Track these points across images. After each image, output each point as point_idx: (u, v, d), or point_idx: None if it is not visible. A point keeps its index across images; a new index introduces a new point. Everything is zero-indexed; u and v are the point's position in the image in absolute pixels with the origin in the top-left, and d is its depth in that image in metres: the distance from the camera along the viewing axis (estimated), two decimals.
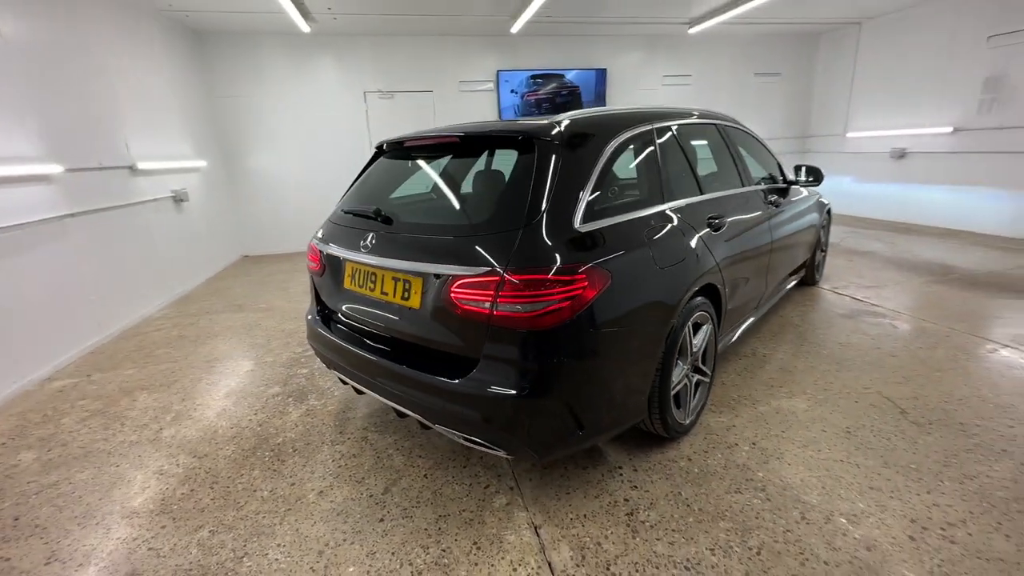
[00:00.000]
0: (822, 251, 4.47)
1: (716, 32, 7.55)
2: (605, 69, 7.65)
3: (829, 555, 1.62)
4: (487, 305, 1.60)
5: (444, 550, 1.73)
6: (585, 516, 1.85)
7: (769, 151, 3.48)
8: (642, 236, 1.92)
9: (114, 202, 4.22)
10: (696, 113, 2.73)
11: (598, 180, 1.85)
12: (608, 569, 1.62)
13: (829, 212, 4.44)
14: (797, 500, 1.87)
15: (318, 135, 7.05)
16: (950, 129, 6.44)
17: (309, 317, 2.45)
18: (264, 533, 1.84)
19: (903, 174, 7.23)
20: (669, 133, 2.38)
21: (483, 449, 1.78)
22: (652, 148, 2.24)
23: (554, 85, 7.54)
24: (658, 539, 1.72)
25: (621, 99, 7.87)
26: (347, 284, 2.14)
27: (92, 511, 2.00)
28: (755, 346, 3.24)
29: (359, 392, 2.27)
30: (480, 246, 1.67)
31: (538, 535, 1.78)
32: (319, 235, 2.34)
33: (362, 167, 2.55)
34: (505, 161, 2.13)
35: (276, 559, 1.72)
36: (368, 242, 1.97)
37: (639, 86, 7.94)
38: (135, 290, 4.42)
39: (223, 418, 2.68)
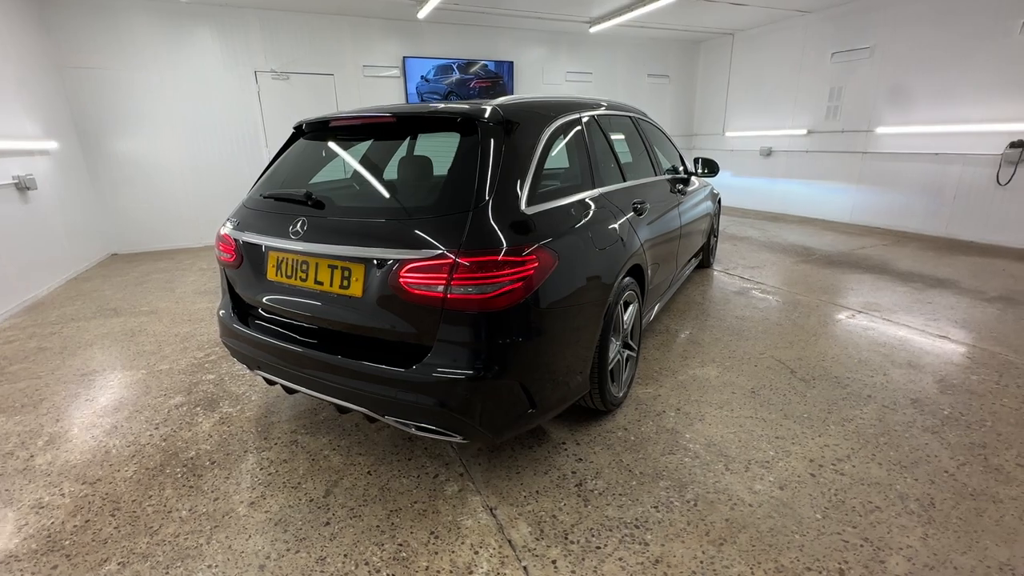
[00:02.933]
0: (715, 236, 4.99)
1: (614, 33, 8.01)
2: (512, 62, 7.75)
3: (751, 498, 1.84)
4: (440, 289, 1.57)
5: (401, 544, 1.67)
6: (537, 492, 1.90)
7: (672, 144, 3.79)
8: (582, 219, 2.00)
9: None
10: (607, 104, 2.88)
11: (539, 164, 1.90)
12: (566, 538, 1.68)
13: (719, 201, 4.95)
14: (720, 454, 2.09)
15: (202, 118, 6.30)
16: (805, 131, 7.50)
17: (222, 313, 2.21)
18: (189, 556, 1.64)
19: (770, 169, 8.28)
20: (595, 121, 2.50)
21: (436, 437, 1.74)
22: (584, 135, 2.33)
23: (472, 73, 7.48)
24: (608, 504, 1.83)
25: (528, 92, 8.04)
26: (271, 275, 1.96)
27: None
28: (667, 323, 3.54)
29: (289, 391, 2.10)
30: (429, 229, 1.62)
31: (494, 516, 1.79)
32: (233, 222, 2.11)
33: (269, 150, 2.33)
34: (434, 144, 2.10)
35: None
36: (298, 228, 1.82)
37: (544, 81, 8.17)
38: None
39: (115, 436, 2.32)
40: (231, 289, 2.20)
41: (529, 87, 8.04)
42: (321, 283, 1.81)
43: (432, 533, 1.72)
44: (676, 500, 1.84)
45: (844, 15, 6.72)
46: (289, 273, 1.90)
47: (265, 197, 2.07)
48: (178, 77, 6.08)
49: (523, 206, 1.74)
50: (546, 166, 2.00)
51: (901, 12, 6.10)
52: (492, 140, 1.78)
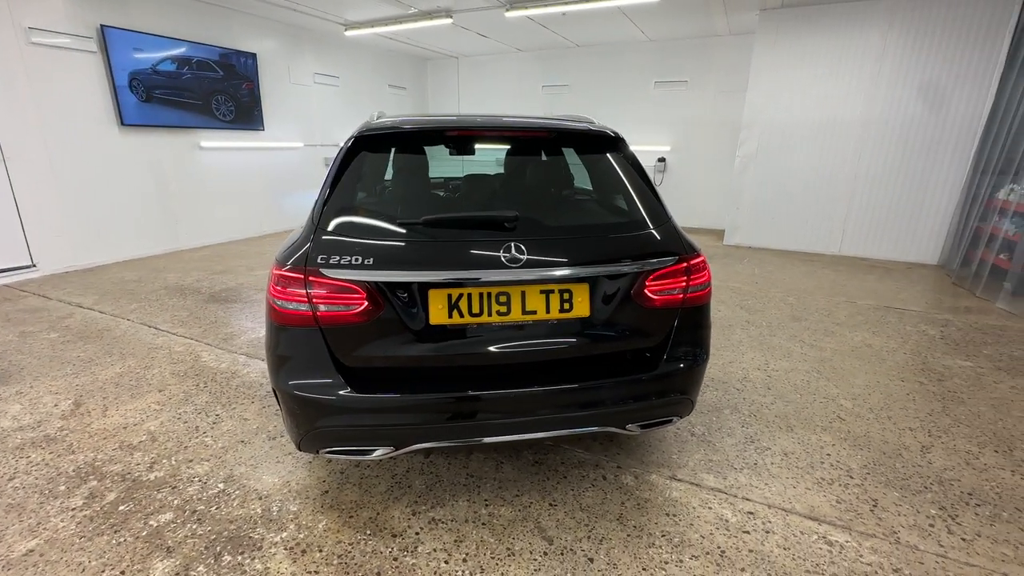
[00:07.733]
0: None
1: (364, 41, 7.84)
2: (255, 54, 6.59)
3: (769, 399, 2.73)
4: (678, 291, 1.75)
5: (663, 534, 1.78)
6: (679, 451, 2.27)
7: None
8: None
9: None
10: None
11: None
12: (734, 467, 2.15)
13: None
14: (745, 380, 2.92)
15: None
16: None
17: (323, 392, 1.57)
18: None
19: None
20: None
21: (658, 427, 1.89)
22: None
23: (223, 68, 5.94)
24: (721, 439, 2.37)
25: (276, 93, 7.02)
26: (438, 319, 1.59)
27: None
28: None
29: (473, 445, 1.74)
30: (656, 241, 1.76)
31: (681, 481, 2.07)
32: (354, 261, 1.53)
33: (339, 165, 1.74)
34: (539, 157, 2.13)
35: None
36: (514, 254, 1.57)
37: (291, 80, 7.28)
38: None
39: None
40: (332, 354, 1.58)
41: (276, 87, 7.02)
42: (533, 311, 1.64)
43: (667, 514, 1.89)
44: (744, 416, 2.55)
45: (548, 57, 8.72)
46: (476, 310, 1.61)
47: (420, 224, 1.62)
48: None
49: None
50: None
51: (585, 62, 8.43)
52: (631, 157, 2.00)
